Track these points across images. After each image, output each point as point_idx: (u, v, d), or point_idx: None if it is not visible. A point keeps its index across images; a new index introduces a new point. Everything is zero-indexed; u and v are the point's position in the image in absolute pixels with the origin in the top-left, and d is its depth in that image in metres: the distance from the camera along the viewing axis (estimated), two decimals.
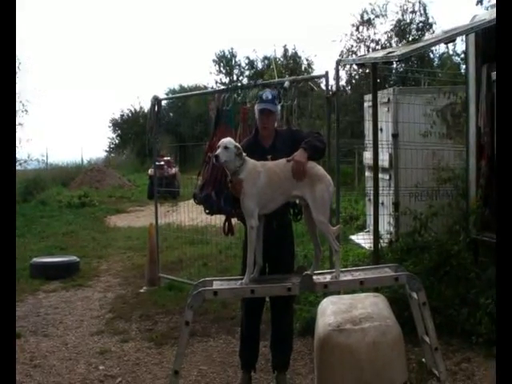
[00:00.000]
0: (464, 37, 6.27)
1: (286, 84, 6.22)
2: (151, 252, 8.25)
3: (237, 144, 4.17)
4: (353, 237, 9.18)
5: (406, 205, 7.05)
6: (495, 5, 6.34)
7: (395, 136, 7.86)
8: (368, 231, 8.54)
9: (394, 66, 17.76)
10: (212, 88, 30.42)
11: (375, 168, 6.07)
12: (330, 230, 4.08)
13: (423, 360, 4.54)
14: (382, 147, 7.34)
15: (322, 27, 49.73)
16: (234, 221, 5.94)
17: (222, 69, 36.66)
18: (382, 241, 6.48)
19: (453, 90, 7.46)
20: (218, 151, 4.05)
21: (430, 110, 7.52)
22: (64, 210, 16.90)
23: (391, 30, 21.92)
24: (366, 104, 9.03)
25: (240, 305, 5.14)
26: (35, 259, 9.16)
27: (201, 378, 5.07)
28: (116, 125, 38.24)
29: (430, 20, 22.14)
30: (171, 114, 36.35)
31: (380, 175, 6.70)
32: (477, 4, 11.82)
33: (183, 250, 9.33)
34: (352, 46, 21.79)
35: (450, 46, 20.41)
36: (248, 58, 35.54)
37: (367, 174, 9.37)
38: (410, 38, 20.68)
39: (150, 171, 17.40)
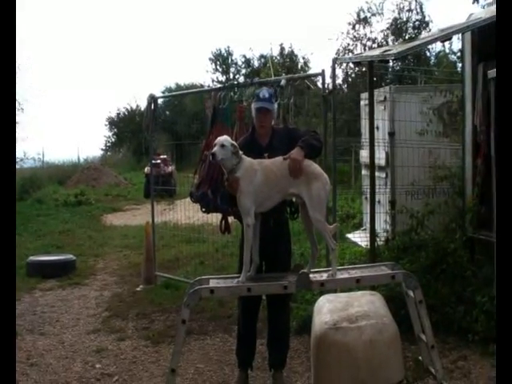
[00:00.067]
0: (460, 35, 6.26)
1: (283, 82, 6.22)
2: (148, 250, 8.24)
3: (233, 142, 4.18)
4: (349, 235, 9.18)
5: (403, 203, 7.04)
6: (492, 3, 6.34)
7: (392, 134, 7.85)
8: (364, 229, 8.55)
9: (391, 64, 17.70)
10: (208, 86, 30.36)
11: (372, 166, 6.08)
12: (327, 228, 4.09)
13: (420, 358, 4.56)
14: (379, 145, 7.34)
15: (319, 25, 49.83)
16: (230, 219, 5.95)
17: (218, 67, 36.68)
18: (378, 239, 6.48)
19: (449, 89, 7.46)
20: (215, 149, 4.05)
21: (427, 109, 7.51)
22: (60, 209, 16.88)
23: (388, 28, 21.94)
24: (362, 102, 9.02)
25: (237, 303, 5.14)
26: (32, 258, 9.14)
27: (197, 376, 5.07)
28: (112, 123, 38.23)
29: (427, 18, 22.20)
30: (167, 113, 36.39)
31: (376, 173, 6.68)
32: (473, 2, 11.79)
33: (180, 248, 9.32)
34: (348, 44, 21.81)
35: (447, 44, 20.48)
36: (244, 56, 35.63)
37: (364, 172, 9.37)
38: (407, 37, 20.67)
39: (147, 169, 17.39)
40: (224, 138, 4.15)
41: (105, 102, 71.42)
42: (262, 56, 33.58)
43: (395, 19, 21.89)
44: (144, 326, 6.44)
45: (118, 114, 37.84)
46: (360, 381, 3.79)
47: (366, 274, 4.19)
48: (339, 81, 21.52)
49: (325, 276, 4.12)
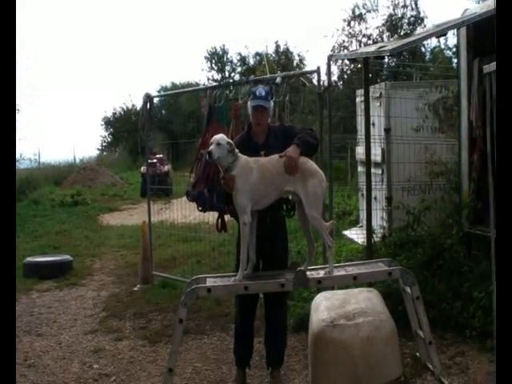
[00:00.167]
0: (455, 30, 6.26)
1: (278, 80, 6.21)
2: (144, 250, 8.22)
3: (229, 140, 4.18)
4: (346, 232, 9.18)
5: (399, 199, 7.05)
6: None
7: (387, 131, 7.86)
8: (361, 226, 8.55)
9: (386, 60, 17.77)
10: (204, 85, 30.29)
11: (368, 163, 6.07)
12: (323, 225, 4.09)
13: (417, 354, 4.56)
14: (375, 142, 7.34)
15: (314, 23, 49.76)
16: (227, 217, 5.93)
17: (213, 65, 36.56)
18: (375, 236, 6.48)
19: (445, 84, 7.46)
20: (211, 148, 4.05)
21: (422, 104, 7.51)
22: (57, 209, 16.83)
23: (383, 24, 21.99)
24: (358, 99, 9.01)
25: (234, 302, 5.13)
26: (28, 259, 9.11)
27: (195, 376, 5.06)
28: (108, 123, 38.15)
29: (422, 14, 22.27)
30: (163, 112, 36.28)
31: (373, 170, 6.69)
32: None
33: (176, 247, 9.32)
34: (344, 41, 21.84)
35: (442, 39, 20.49)
36: (240, 54, 35.53)
37: (360, 168, 9.37)
38: (402, 33, 20.71)
39: (143, 169, 17.33)
40: (220, 137, 4.14)
41: (100, 102, 71.40)
42: (257, 54, 33.55)
43: (390, 15, 21.93)
44: (141, 325, 6.43)
45: (114, 113, 37.78)
46: (358, 378, 3.78)
47: (363, 271, 4.19)
48: (334, 78, 21.60)
49: (322, 273, 4.11)
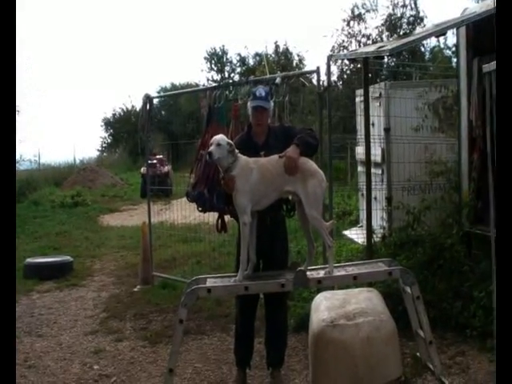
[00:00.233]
0: (455, 30, 6.25)
1: (278, 80, 6.21)
2: (144, 250, 8.22)
3: (229, 141, 4.18)
4: (346, 232, 9.18)
5: (399, 199, 7.04)
6: None
7: (387, 130, 7.85)
8: (361, 226, 8.54)
9: (386, 60, 17.78)
10: (203, 85, 30.34)
11: (368, 163, 6.07)
12: (323, 225, 4.09)
13: (418, 354, 4.56)
14: (374, 142, 7.33)
15: (314, 23, 49.76)
16: (227, 218, 5.93)
17: (213, 66, 36.56)
18: (375, 235, 6.48)
19: (444, 84, 7.45)
20: (211, 148, 4.05)
21: (422, 104, 7.51)
22: (57, 210, 16.83)
23: (382, 24, 21.97)
24: (357, 99, 9.01)
25: (234, 302, 5.13)
26: (29, 260, 9.11)
27: (195, 376, 5.06)
28: (108, 124, 38.15)
29: (421, 14, 22.25)
30: (163, 112, 36.30)
31: (372, 170, 6.68)
32: None
33: (176, 248, 9.31)
34: (343, 41, 21.81)
35: (441, 39, 20.48)
36: (239, 54, 35.53)
37: (360, 168, 9.37)
38: (401, 32, 20.71)
39: (143, 170, 17.32)
40: (220, 137, 4.15)
41: (100, 103, 71.30)
42: (257, 54, 33.56)
43: (390, 15, 21.92)
44: (142, 326, 6.42)
45: (114, 114, 37.77)
46: (358, 378, 3.78)
47: (363, 271, 4.19)
48: (334, 78, 21.57)
49: (322, 273, 4.11)
